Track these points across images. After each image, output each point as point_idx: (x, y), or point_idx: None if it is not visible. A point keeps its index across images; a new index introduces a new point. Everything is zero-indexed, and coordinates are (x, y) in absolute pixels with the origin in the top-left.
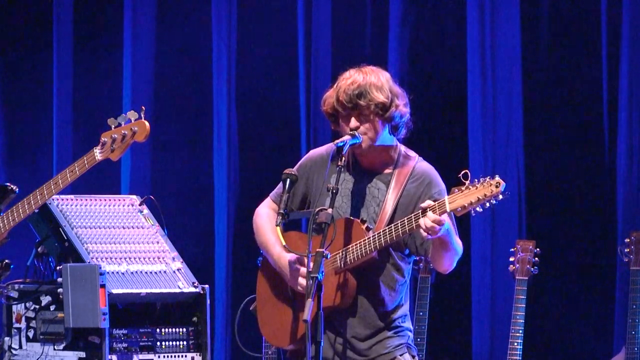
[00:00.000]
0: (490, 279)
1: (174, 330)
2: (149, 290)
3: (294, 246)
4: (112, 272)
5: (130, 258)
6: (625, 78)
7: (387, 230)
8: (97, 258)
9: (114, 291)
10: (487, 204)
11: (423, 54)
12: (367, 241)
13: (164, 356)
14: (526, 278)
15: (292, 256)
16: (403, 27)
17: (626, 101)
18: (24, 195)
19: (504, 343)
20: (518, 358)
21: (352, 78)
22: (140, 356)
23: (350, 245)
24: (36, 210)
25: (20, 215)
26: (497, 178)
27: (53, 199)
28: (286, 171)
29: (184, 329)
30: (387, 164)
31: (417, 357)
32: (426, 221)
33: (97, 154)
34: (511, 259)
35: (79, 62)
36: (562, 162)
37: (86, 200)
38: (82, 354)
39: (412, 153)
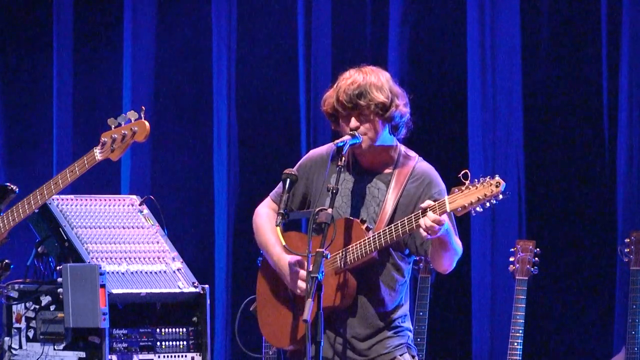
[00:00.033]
0: (490, 279)
1: (174, 330)
2: (149, 290)
3: (293, 246)
4: (112, 272)
5: (130, 258)
6: (625, 78)
7: (387, 230)
8: (97, 258)
9: (114, 291)
10: (487, 204)
11: (423, 54)
12: (367, 241)
13: (164, 356)
14: (526, 278)
15: (292, 258)
16: (403, 27)
17: (626, 101)
18: (24, 195)
19: (504, 343)
20: (518, 358)
21: (352, 78)
22: (140, 356)
23: (350, 246)
24: (36, 210)
25: (20, 215)
26: (497, 178)
27: (53, 199)
28: (286, 171)
29: (184, 329)
30: (387, 164)
31: (417, 357)
32: (426, 221)
33: (97, 154)
34: (511, 259)
35: (79, 62)
36: (562, 162)
37: (86, 200)
38: (82, 354)
39: (412, 153)
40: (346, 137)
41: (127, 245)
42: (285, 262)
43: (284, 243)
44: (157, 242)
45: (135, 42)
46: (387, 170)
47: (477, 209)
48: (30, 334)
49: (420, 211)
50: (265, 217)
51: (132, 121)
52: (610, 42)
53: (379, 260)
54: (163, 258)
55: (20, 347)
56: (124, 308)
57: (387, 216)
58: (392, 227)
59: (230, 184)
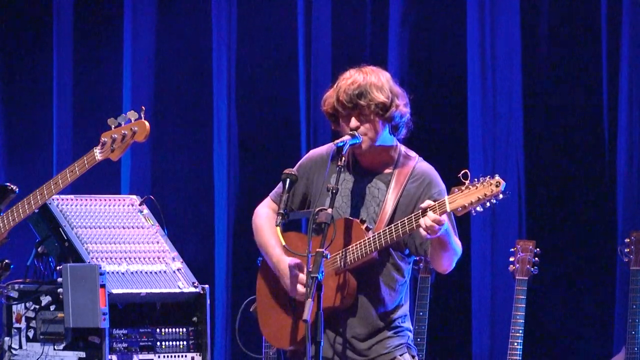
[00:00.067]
0: (490, 279)
1: (174, 330)
2: (149, 290)
3: (293, 247)
4: (112, 272)
5: (130, 258)
6: (625, 78)
7: (387, 230)
8: (97, 258)
9: (114, 291)
10: (488, 204)
11: (423, 54)
12: (367, 241)
13: (164, 356)
14: (526, 278)
15: (291, 260)
16: (403, 27)
17: (626, 101)
18: (24, 195)
19: (504, 343)
20: (518, 358)
21: (352, 78)
22: (140, 356)
23: (350, 246)
24: (36, 210)
25: (20, 215)
26: (497, 177)
27: (53, 199)
28: (286, 171)
29: (184, 329)
30: (387, 164)
31: (417, 357)
32: (426, 221)
33: (97, 154)
34: (511, 259)
35: (79, 62)
36: (562, 162)
37: (86, 200)
38: (82, 354)
39: (412, 153)
40: (346, 137)
41: (127, 245)
42: (284, 265)
43: (284, 243)
44: (157, 242)
45: (135, 42)
46: (387, 170)
47: (478, 208)
48: (30, 334)
49: (420, 211)
50: (265, 217)
51: (132, 121)
52: (610, 42)
53: (379, 260)
54: (163, 258)
55: (20, 347)
56: (124, 308)
57: (387, 216)
58: (392, 227)
59: (230, 184)
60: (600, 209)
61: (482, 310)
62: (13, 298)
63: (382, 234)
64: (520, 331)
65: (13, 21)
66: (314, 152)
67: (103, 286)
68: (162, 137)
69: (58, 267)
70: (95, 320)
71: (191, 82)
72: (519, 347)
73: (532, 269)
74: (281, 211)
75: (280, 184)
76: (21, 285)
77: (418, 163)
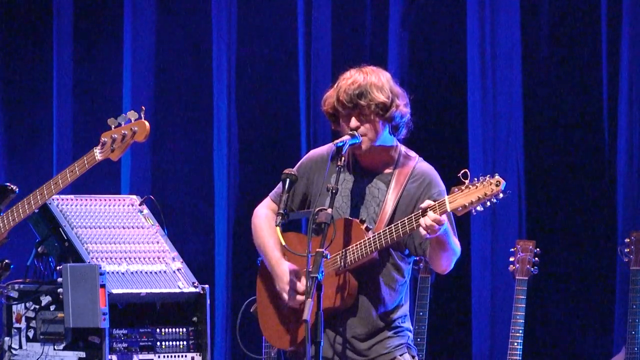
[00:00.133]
0: (490, 279)
1: (174, 330)
2: (149, 290)
3: (293, 247)
4: (112, 272)
5: (130, 258)
6: (625, 78)
7: (387, 230)
8: (97, 258)
9: (114, 291)
10: (488, 203)
11: (423, 54)
12: (367, 241)
13: (164, 356)
14: (526, 278)
15: (289, 266)
16: (403, 27)
17: (626, 101)
18: (24, 195)
19: (504, 343)
20: (518, 358)
21: (352, 78)
22: (140, 356)
23: (350, 246)
24: (36, 210)
25: (20, 215)
26: (497, 177)
27: (53, 199)
28: (286, 171)
29: (184, 329)
30: (387, 164)
31: (417, 357)
32: (426, 220)
33: (97, 154)
34: (511, 259)
35: (79, 61)
36: (562, 162)
37: (86, 200)
38: (82, 354)
39: (412, 153)
40: (346, 137)
41: (127, 245)
42: (280, 269)
43: (283, 243)
44: (157, 242)
45: (135, 42)
46: (387, 170)
47: (478, 208)
48: (30, 334)
49: (420, 211)
50: (264, 218)
51: (132, 121)
52: (610, 42)
53: (379, 260)
54: (163, 258)
55: (20, 347)
56: (124, 308)
57: (387, 216)
58: (392, 227)
59: (230, 184)
60: (600, 209)
61: (482, 310)
62: (13, 298)
63: (382, 234)
64: (520, 331)
65: (13, 21)
66: (314, 152)
67: (103, 286)
68: (162, 137)
69: (58, 267)
70: (95, 320)
71: (191, 82)
72: (519, 347)
73: (532, 269)
74: (281, 211)
75: (280, 184)
76: (21, 285)
77: (418, 163)
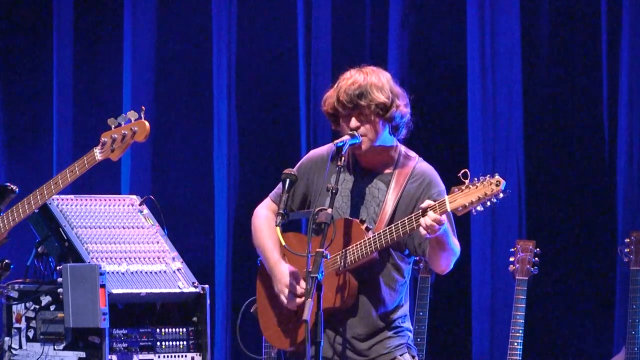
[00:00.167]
0: (490, 279)
1: (174, 330)
2: (149, 290)
3: (293, 247)
4: (112, 272)
5: (130, 258)
6: (625, 78)
7: (387, 230)
8: (97, 258)
9: (114, 291)
10: (488, 203)
11: (423, 54)
12: (367, 241)
13: (164, 356)
14: (526, 278)
15: (290, 268)
16: (403, 27)
17: (626, 101)
18: (24, 195)
19: (504, 343)
20: (518, 358)
21: (352, 78)
22: (140, 356)
23: (350, 246)
24: (36, 210)
25: (20, 215)
26: (497, 176)
27: (53, 199)
28: (285, 171)
29: (184, 329)
30: (387, 164)
31: (417, 357)
32: (426, 220)
33: (97, 154)
34: (511, 259)
35: (79, 61)
36: (562, 162)
37: (86, 200)
38: (82, 354)
39: (412, 153)
40: (345, 137)
41: (127, 245)
42: (279, 271)
43: (283, 243)
44: (157, 242)
45: (135, 42)
46: (387, 171)
47: (478, 208)
48: (30, 334)
49: (420, 211)
50: (264, 219)
51: (132, 121)
52: (610, 42)
53: (379, 260)
54: (163, 258)
55: (20, 347)
56: (124, 308)
57: (387, 216)
58: (392, 228)
59: (230, 184)
60: (600, 209)
61: (482, 310)
62: (13, 298)
63: (382, 234)
64: (520, 331)
65: (13, 21)
66: (314, 152)
67: (103, 286)
68: (162, 137)
69: (58, 267)
70: (95, 320)
71: (191, 82)
72: (519, 347)
73: (532, 269)
74: (281, 211)
75: (280, 184)
76: (21, 285)
77: (418, 163)
